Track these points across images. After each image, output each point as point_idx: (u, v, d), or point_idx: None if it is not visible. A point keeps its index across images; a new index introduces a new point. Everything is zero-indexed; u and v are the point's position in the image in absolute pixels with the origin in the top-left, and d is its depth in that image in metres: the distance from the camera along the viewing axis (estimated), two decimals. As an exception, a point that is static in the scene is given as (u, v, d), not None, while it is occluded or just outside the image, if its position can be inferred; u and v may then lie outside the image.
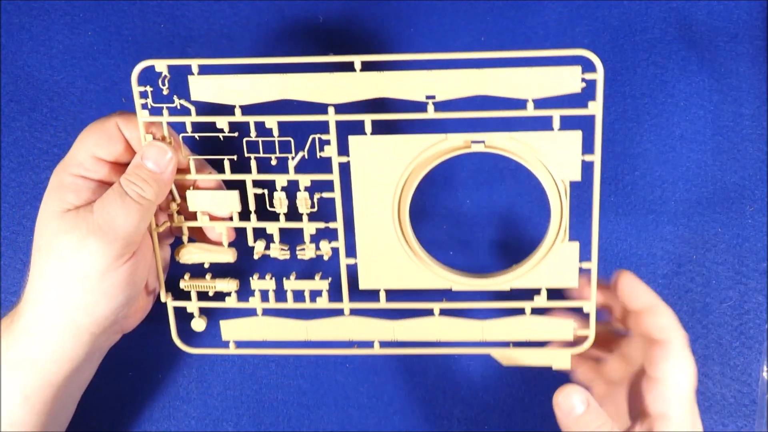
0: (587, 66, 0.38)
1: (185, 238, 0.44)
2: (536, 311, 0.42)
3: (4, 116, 0.50)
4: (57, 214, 0.38)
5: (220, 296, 0.44)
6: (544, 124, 0.39)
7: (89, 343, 0.40)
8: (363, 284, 0.42)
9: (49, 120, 0.50)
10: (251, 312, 0.44)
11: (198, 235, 0.45)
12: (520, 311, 0.42)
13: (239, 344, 0.45)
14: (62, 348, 0.39)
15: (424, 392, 0.50)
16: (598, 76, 0.38)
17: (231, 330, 0.44)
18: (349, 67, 0.39)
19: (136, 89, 0.40)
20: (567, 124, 0.39)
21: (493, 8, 0.48)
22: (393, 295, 0.43)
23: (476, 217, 0.48)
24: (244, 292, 0.44)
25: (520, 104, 0.38)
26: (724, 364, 0.48)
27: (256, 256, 0.43)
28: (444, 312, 0.43)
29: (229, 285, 0.44)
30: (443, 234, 0.48)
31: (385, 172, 0.40)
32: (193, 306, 0.44)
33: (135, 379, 0.44)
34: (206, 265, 0.44)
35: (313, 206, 0.41)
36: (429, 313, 0.43)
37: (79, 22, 0.49)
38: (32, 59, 0.50)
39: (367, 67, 0.39)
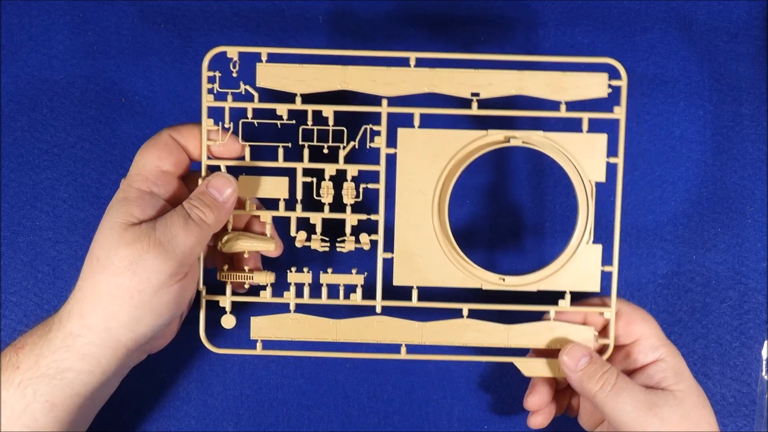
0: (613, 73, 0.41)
1: (229, 227, 0.44)
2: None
3: (4, 116, 0.50)
4: (120, 226, 0.39)
5: (254, 292, 0.45)
6: (577, 127, 0.41)
7: (124, 358, 0.40)
8: (397, 281, 0.44)
9: (49, 120, 0.50)
10: (284, 308, 0.45)
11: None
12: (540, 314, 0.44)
13: (265, 345, 0.45)
14: (98, 361, 0.39)
15: (424, 392, 0.50)
16: (623, 83, 0.41)
17: (261, 328, 0.44)
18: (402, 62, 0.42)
19: (205, 74, 0.42)
20: (598, 128, 0.41)
21: (493, 8, 0.48)
22: (424, 294, 0.45)
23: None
24: (280, 287, 0.45)
25: (555, 106, 0.42)
26: (724, 364, 0.48)
27: (298, 245, 0.44)
28: (472, 314, 0.44)
29: (266, 277, 0.44)
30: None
31: (429, 164, 0.42)
32: (226, 300, 0.44)
33: (135, 380, 0.44)
34: (246, 255, 0.44)
35: (357, 196, 0.43)
36: (458, 314, 0.44)
37: (79, 22, 0.49)
38: (32, 59, 0.50)
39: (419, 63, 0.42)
